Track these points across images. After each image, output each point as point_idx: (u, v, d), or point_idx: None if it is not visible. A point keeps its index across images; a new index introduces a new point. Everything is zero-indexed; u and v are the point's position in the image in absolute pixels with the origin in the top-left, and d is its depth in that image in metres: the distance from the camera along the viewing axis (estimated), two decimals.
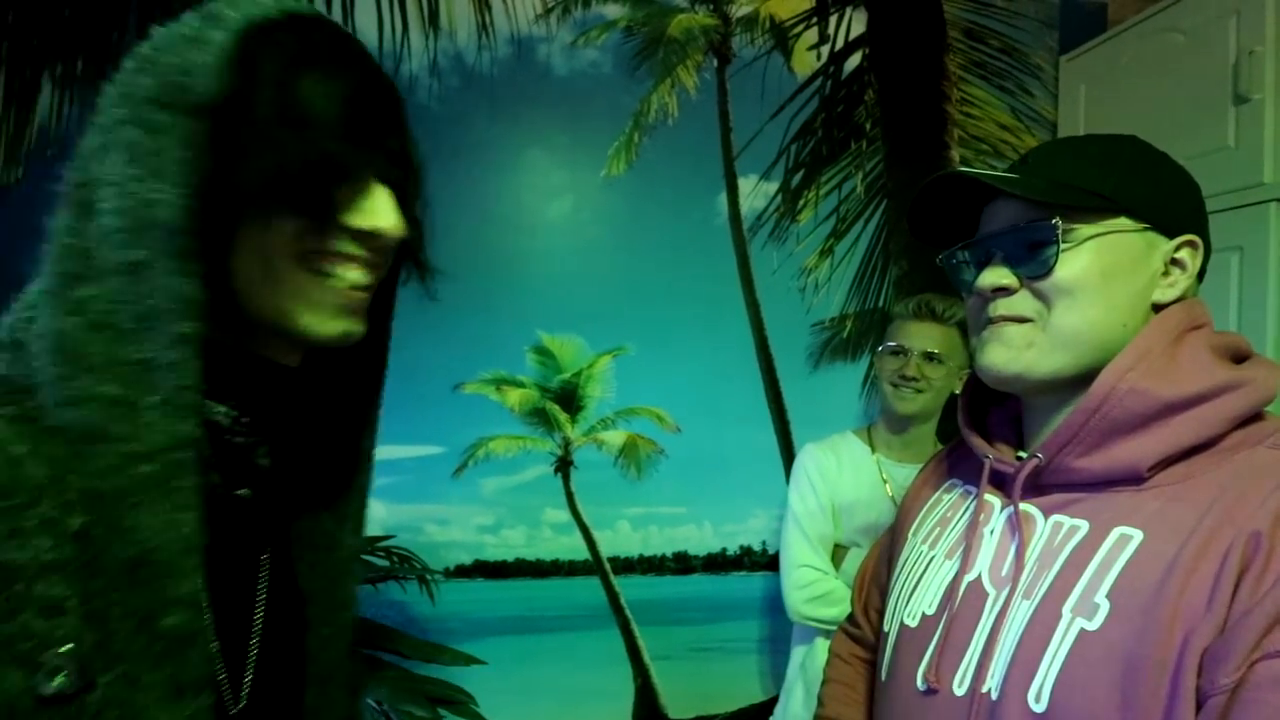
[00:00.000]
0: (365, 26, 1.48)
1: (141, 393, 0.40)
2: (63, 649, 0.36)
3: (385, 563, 1.48)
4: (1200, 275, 0.59)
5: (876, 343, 1.68)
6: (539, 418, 1.55)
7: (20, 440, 0.38)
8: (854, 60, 1.69)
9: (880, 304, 1.69)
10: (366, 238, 0.47)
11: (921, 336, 1.28)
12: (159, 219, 0.39)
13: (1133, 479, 0.53)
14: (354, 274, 0.47)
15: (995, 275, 0.59)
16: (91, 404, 0.39)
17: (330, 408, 0.57)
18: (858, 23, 1.69)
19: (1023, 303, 0.58)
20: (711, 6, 1.62)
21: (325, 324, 0.47)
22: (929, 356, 1.27)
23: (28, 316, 0.42)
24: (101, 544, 0.38)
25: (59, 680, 0.36)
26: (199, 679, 0.41)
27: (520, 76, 1.54)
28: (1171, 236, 0.57)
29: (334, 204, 0.45)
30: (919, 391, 1.28)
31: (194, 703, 0.41)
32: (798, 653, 1.39)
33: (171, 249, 0.40)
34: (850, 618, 0.88)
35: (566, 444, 1.56)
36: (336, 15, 1.47)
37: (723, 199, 1.63)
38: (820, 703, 0.85)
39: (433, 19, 1.51)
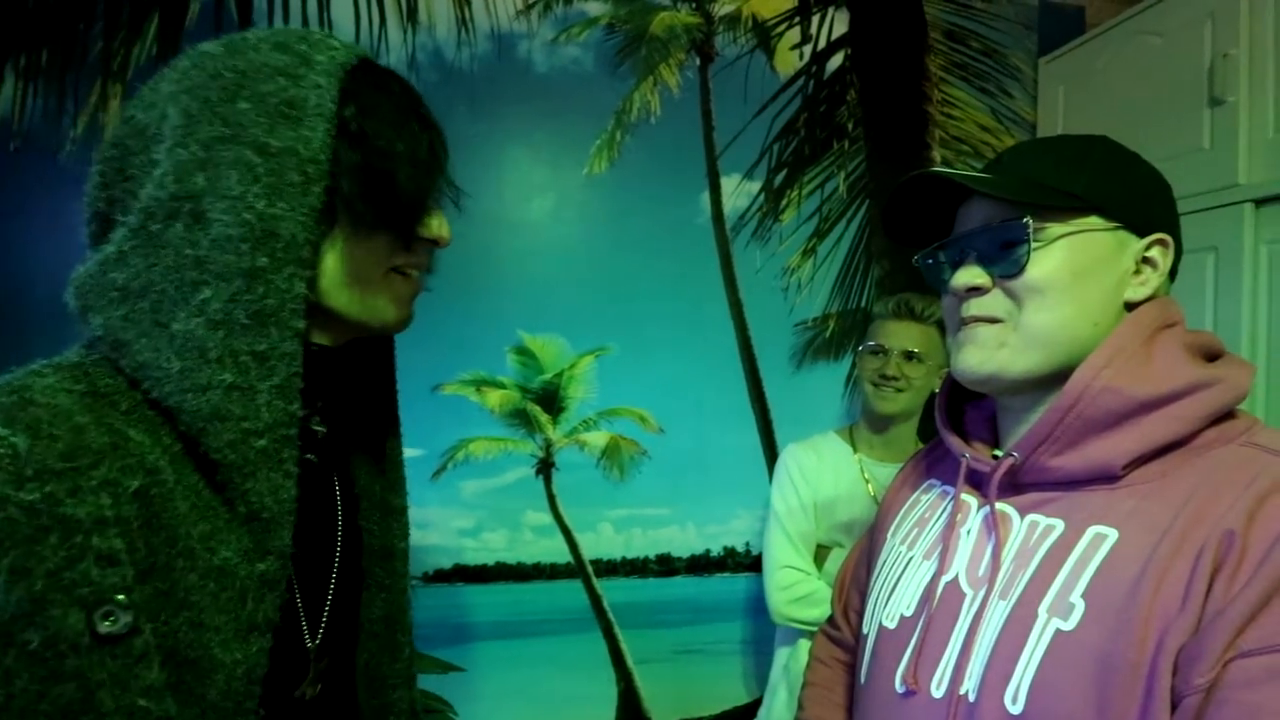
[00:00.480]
0: (342, 20, 1.46)
1: (258, 379, 0.47)
2: (118, 596, 0.41)
3: None
4: (1172, 274, 0.59)
5: (859, 342, 1.68)
6: (520, 419, 1.53)
7: (84, 411, 0.43)
8: (836, 60, 1.69)
9: (863, 303, 1.69)
10: (431, 244, 0.58)
11: (901, 336, 1.29)
12: (280, 232, 0.47)
13: (1107, 477, 0.53)
14: (418, 272, 0.58)
15: (968, 275, 0.59)
16: (215, 390, 0.45)
17: (361, 383, 0.65)
18: (840, 23, 1.69)
19: (995, 302, 0.58)
20: (694, 5, 1.62)
21: (399, 314, 0.57)
22: (909, 355, 1.28)
23: (122, 315, 0.46)
24: (160, 503, 0.44)
25: (112, 622, 0.40)
26: (269, 621, 0.49)
27: (501, 73, 1.52)
28: (1142, 235, 0.57)
29: (424, 225, 0.56)
30: (899, 391, 1.28)
31: (259, 642, 0.48)
32: (781, 654, 1.39)
33: (289, 258, 0.47)
34: (830, 620, 0.88)
35: (548, 445, 1.55)
36: (312, 9, 1.45)
37: (705, 198, 1.62)
38: (800, 706, 0.84)
39: (411, 13, 1.49)
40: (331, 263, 0.52)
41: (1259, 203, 1.23)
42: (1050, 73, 1.74)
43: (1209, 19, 1.32)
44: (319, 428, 0.58)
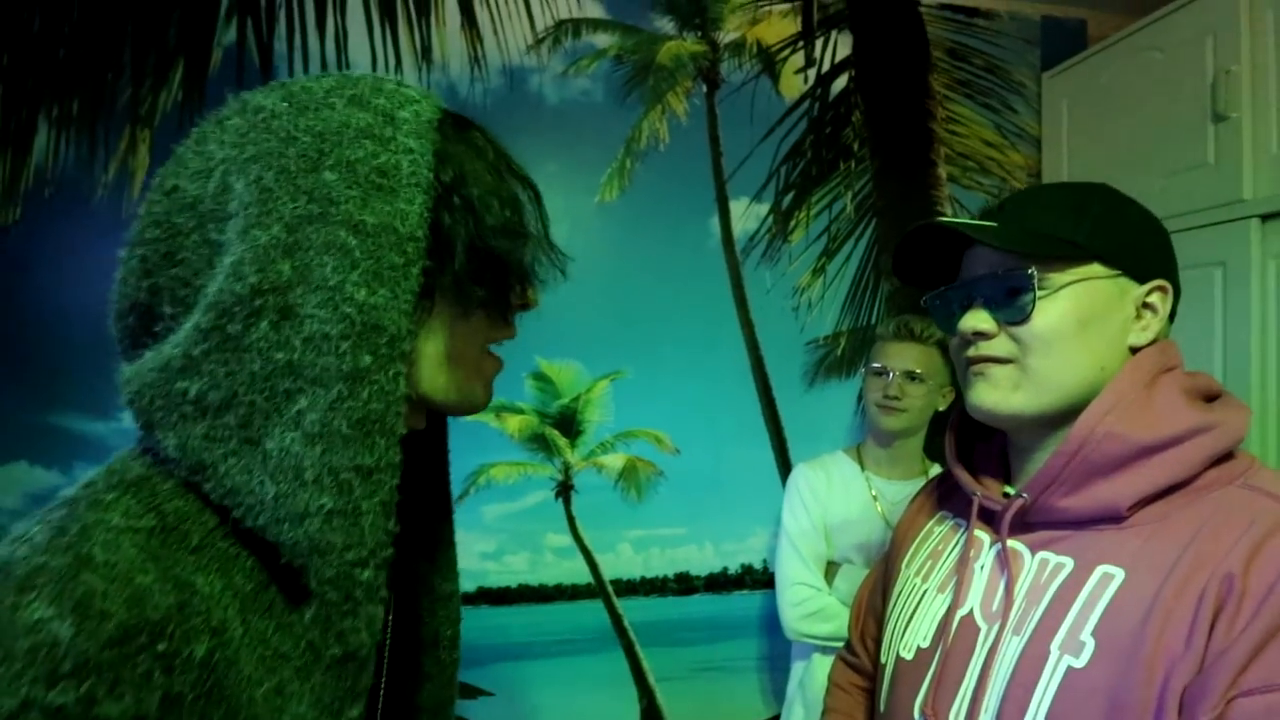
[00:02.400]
0: (358, 59, 1.51)
1: (362, 498, 0.40)
2: None
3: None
4: (1171, 317, 0.61)
5: (869, 359, 1.70)
6: (539, 443, 1.57)
7: (149, 563, 0.36)
8: (841, 82, 1.72)
9: (873, 321, 1.71)
10: (522, 310, 0.52)
11: (902, 357, 1.32)
12: (384, 324, 0.40)
13: (1113, 517, 0.56)
14: (506, 339, 0.52)
15: (975, 320, 0.61)
16: (313, 519, 0.38)
17: (415, 463, 0.58)
18: (843, 45, 1.72)
19: (1001, 345, 0.61)
20: (699, 33, 1.65)
21: (488, 395, 0.51)
22: (910, 376, 1.31)
23: (202, 433, 0.39)
24: (224, 669, 0.37)
25: None
26: None
27: (513, 106, 1.56)
28: (1142, 281, 0.59)
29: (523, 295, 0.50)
30: (902, 410, 1.31)
31: None
32: (796, 669, 1.41)
33: (394, 353, 0.40)
34: (848, 646, 0.90)
35: (566, 468, 1.58)
36: (330, 50, 1.50)
37: (715, 222, 1.65)
38: None
39: (425, 52, 1.53)
40: (430, 347, 0.46)
41: (1265, 218, 1.25)
42: (1054, 88, 1.76)
43: (1210, 35, 1.34)
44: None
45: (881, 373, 1.34)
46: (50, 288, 1.39)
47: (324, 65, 1.49)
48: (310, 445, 0.39)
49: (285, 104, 0.42)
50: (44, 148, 1.41)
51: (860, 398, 1.70)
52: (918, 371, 1.31)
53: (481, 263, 0.45)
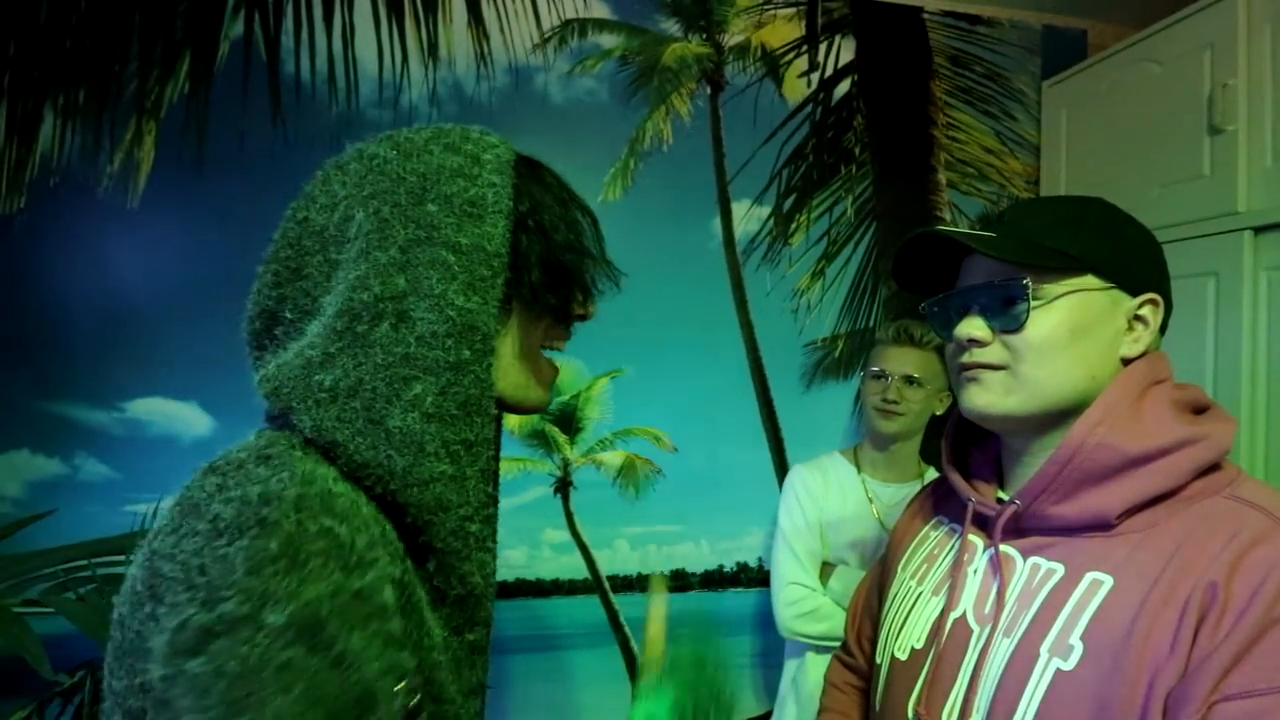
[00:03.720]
0: (365, 58, 1.51)
1: (467, 466, 0.50)
2: (413, 676, 0.45)
3: None
4: (1162, 329, 0.63)
5: (867, 362, 1.72)
6: (538, 439, 1.58)
7: (364, 501, 0.46)
8: (843, 87, 1.73)
9: (871, 324, 1.73)
10: (580, 319, 0.62)
11: (900, 361, 1.33)
12: (478, 325, 0.50)
13: (1103, 525, 0.57)
14: (562, 348, 0.62)
15: (970, 327, 0.63)
16: (437, 483, 0.48)
17: None
18: (846, 50, 1.73)
19: (996, 353, 0.62)
20: (704, 35, 1.66)
21: (547, 395, 0.61)
22: (909, 380, 1.32)
23: (334, 415, 0.47)
24: (410, 589, 0.47)
25: (412, 699, 0.44)
26: (481, 685, 0.55)
27: (518, 105, 1.57)
28: (1134, 294, 0.61)
29: (583, 305, 0.60)
30: (900, 414, 1.33)
31: (478, 703, 0.55)
32: (789, 667, 1.43)
33: (486, 348, 0.50)
34: (844, 646, 0.92)
35: (565, 465, 1.60)
36: (337, 45, 1.50)
37: (717, 223, 1.66)
38: None
39: (432, 50, 1.54)
40: (505, 348, 0.55)
41: (1258, 230, 1.26)
42: (1053, 96, 1.78)
43: (1208, 49, 1.36)
44: None
45: (880, 376, 1.36)
46: (54, 277, 1.39)
47: (331, 60, 1.49)
48: (428, 423, 0.48)
49: (394, 151, 0.52)
50: (49, 137, 1.42)
51: (858, 400, 1.72)
52: (916, 376, 1.32)
53: (552, 275, 0.55)
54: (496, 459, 0.69)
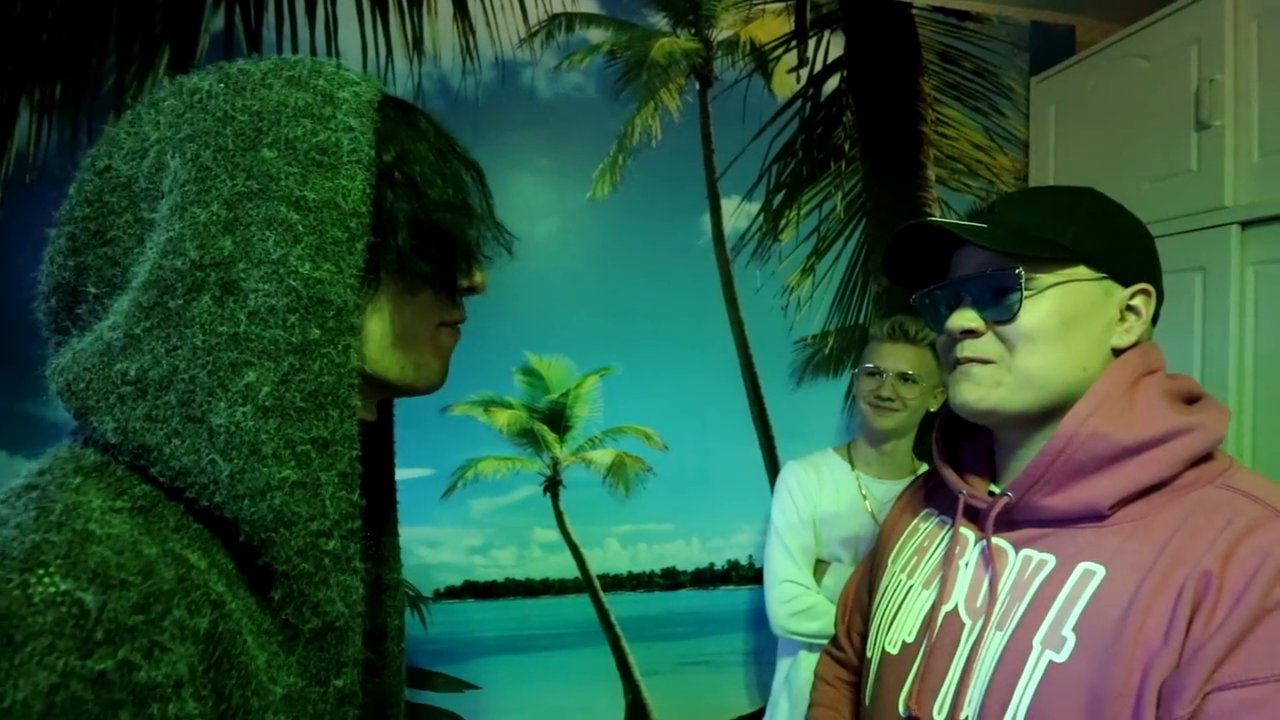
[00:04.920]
0: (349, 50, 1.49)
1: (320, 470, 0.40)
2: None
3: None
4: (1154, 320, 0.63)
5: (857, 359, 1.71)
6: (527, 438, 1.57)
7: (147, 539, 0.36)
8: (832, 83, 1.72)
9: (861, 320, 1.73)
10: (469, 293, 0.53)
11: (895, 358, 1.33)
12: (330, 298, 0.41)
13: (1095, 516, 0.57)
14: (459, 317, 0.53)
15: (963, 318, 0.62)
16: (276, 492, 0.39)
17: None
18: (835, 46, 1.73)
19: (988, 345, 0.62)
20: (693, 30, 1.65)
21: (444, 372, 0.53)
22: (903, 377, 1.32)
23: (143, 414, 0.38)
24: (229, 640, 0.37)
25: None
26: None
27: (505, 100, 1.55)
28: (1126, 285, 0.61)
29: (469, 275, 0.51)
30: (895, 411, 1.32)
31: None
32: (782, 665, 1.42)
33: (342, 326, 0.41)
34: (834, 641, 0.91)
35: (555, 464, 1.58)
36: (320, 40, 1.48)
37: (706, 219, 1.65)
38: None
39: (417, 43, 1.52)
40: (376, 325, 0.46)
41: (1245, 225, 1.27)
42: (1042, 92, 1.78)
43: (1195, 44, 1.36)
44: None
45: (875, 373, 1.35)
46: (30, 275, 1.36)
47: (314, 54, 1.47)
48: (265, 418, 0.39)
49: (222, 85, 0.42)
50: (25, 133, 1.39)
51: (848, 396, 1.71)
52: (911, 373, 1.32)
53: (425, 238, 0.46)
54: (391, 455, 0.61)
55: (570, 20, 1.59)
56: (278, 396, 0.39)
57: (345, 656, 0.43)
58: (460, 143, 0.51)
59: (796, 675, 1.35)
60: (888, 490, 1.37)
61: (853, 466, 1.42)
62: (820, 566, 1.40)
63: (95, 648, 0.31)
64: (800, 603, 1.34)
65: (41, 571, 0.32)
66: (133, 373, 0.38)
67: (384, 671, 0.58)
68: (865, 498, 1.38)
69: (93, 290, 0.42)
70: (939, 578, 0.67)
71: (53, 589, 0.31)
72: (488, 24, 1.54)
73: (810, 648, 1.34)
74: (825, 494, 1.40)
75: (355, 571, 0.42)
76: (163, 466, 0.38)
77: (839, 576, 1.34)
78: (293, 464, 0.39)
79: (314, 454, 0.40)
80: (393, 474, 0.61)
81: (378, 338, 0.47)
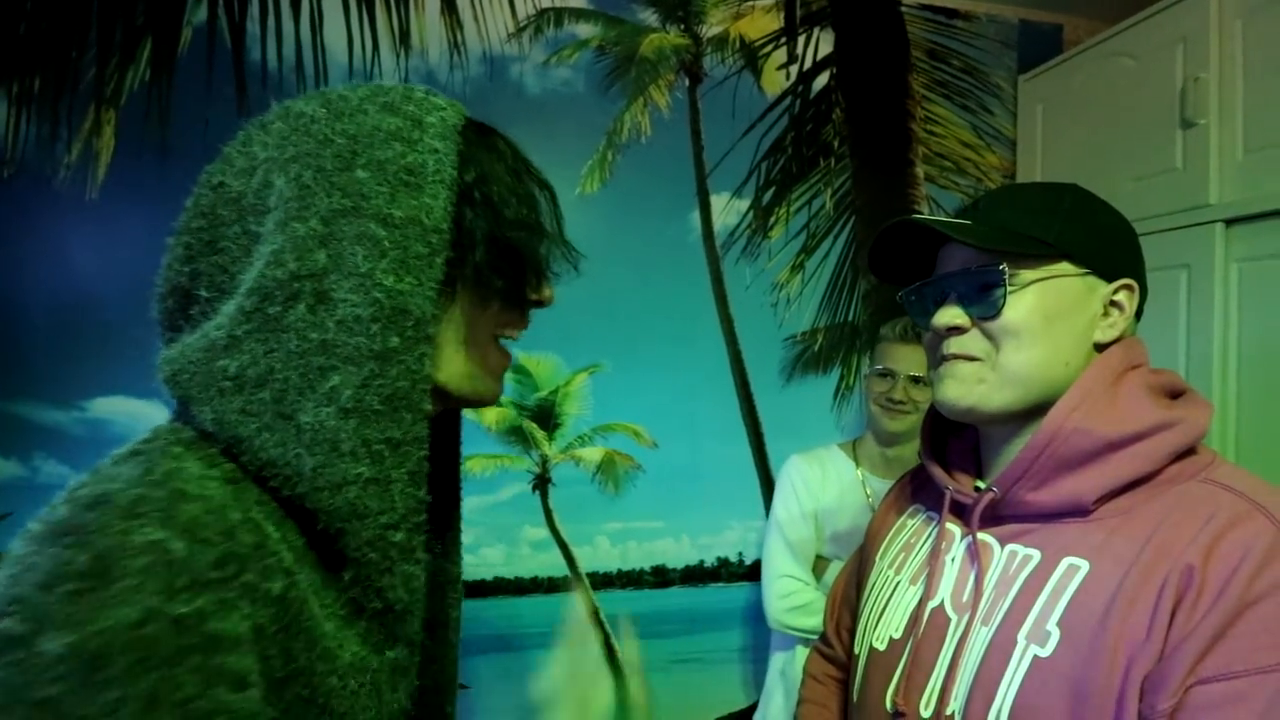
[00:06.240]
0: (334, 45, 1.48)
1: (393, 467, 0.44)
2: (259, 714, 0.38)
3: None
4: (1138, 315, 0.63)
5: (847, 355, 1.72)
6: (516, 436, 1.56)
7: (235, 506, 0.40)
8: (822, 80, 1.72)
9: (850, 318, 1.73)
10: (536, 306, 0.55)
11: (907, 360, 1.32)
12: (410, 309, 0.44)
13: (1079, 511, 0.57)
14: (518, 335, 0.56)
15: (949, 315, 0.62)
16: (352, 486, 0.42)
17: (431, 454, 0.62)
18: (825, 43, 1.72)
19: (973, 342, 0.62)
20: (683, 26, 1.65)
21: (498, 387, 0.55)
22: (915, 380, 1.31)
23: (238, 408, 0.42)
24: (299, 606, 0.41)
25: None
26: (404, 710, 0.49)
27: (493, 95, 1.54)
28: (1110, 280, 0.61)
29: (538, 289, 0.54)
30: (906, 413, 1.32)
31: None
32: (777, 659, 1.42)
33: (420, 335, 0.44)
34: (823, 637, 0.91)
35: (544, 461, 1.58)
36: (305, 34, 1.47)
37: (696, 216, 1.65)
38: None
39: (404, 38, 1.51)
40: (449, 336, 0.49)
41: (1229, 222, 1.28)
42: (1029, 91, 1.79)
43: (1180, 43, 1.37)
44: None
45: (886, 375, 1.34)
46: (10, 272, 1.34)
47: (298, 47, 1.46)
48: (345, 419, 0.42)
49: (324, 110, 0.46)
50: (4, 127, 1.36)
51: (838, 393, 1.72)
52: (922, 376, 1.30)
53: (500, 255, 0.49)
54: (458, 458, 0.64)
55: (559, 15, 1.58)
56: (358, 399, 0.43)
57: (402, 633, 0.47)
58: (535, 165, 0.54)
59: (793, 669, 1.35)
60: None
61: (857, 464, 1.42)
62: (820, 563, 1.40)
63: (177, 594, 0.35)
64: (798, 598, 1.34)
65: (142, 520, 0.36)
66: (233, 369, 0.42)
67: (441, 660, 0.62)
68: (868, 495, 1.38)
69: (204, 294, 0.46)
70: (925, 574, 0.67)
71: (150, 536, 0.36)
72: (475, 18, 1.53)
73: (806, 642, 1.34)
74: (829, 490, 1.40)
75: (418, 562, 0.47)
76: (252, 456, 0.42)
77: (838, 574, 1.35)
78: (368, 461, 0.43)
79: (387, 453, 0.44)
80: (458, 473, 0.65)
81: (450, 346, 0.49)
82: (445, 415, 0.62)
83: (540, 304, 0.55)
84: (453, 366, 0.50)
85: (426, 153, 0.45)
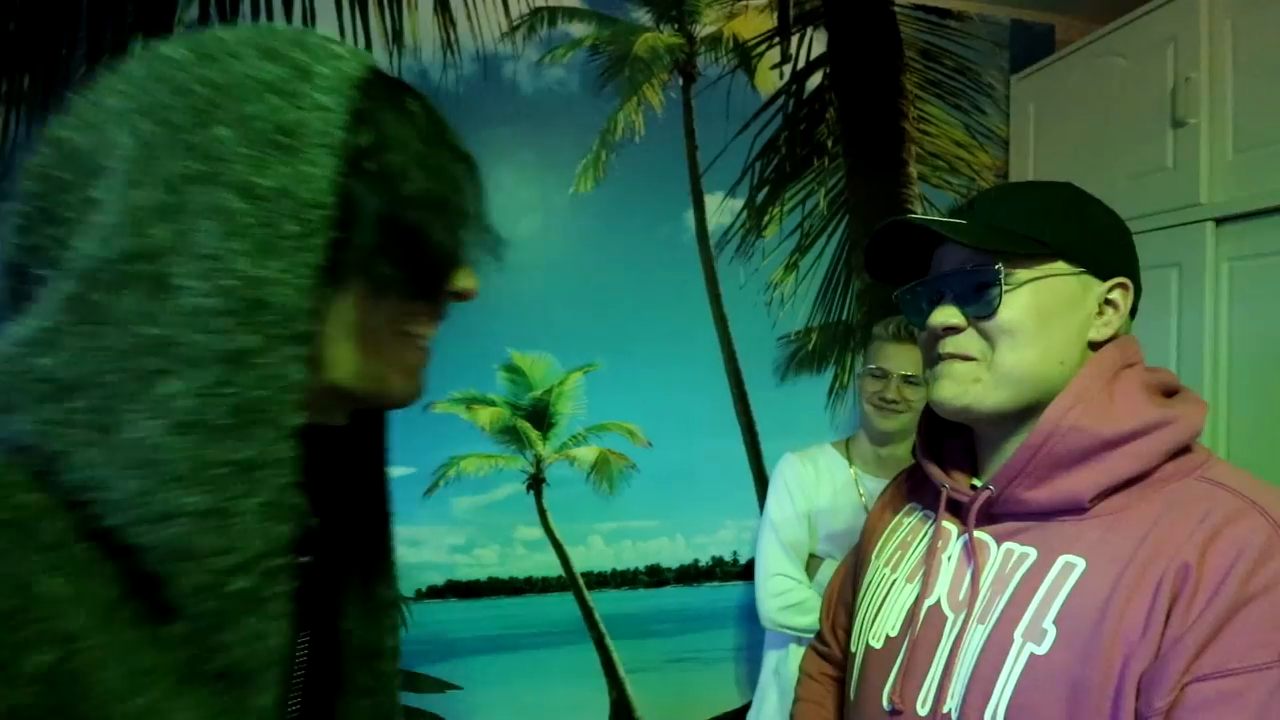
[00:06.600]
0: None
1: (240, 496, 0.35)
2: None
3: None
4: (1132, 313, 0.63)
5: (841, 354, 1.72)
6: (510, 435, 1.55)
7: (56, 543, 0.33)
8: (815, 79, 1.73)
9: (844, 317, 1.73)
10: (456, 299, 0.47)
11: (901, 360, 1.32)
12: (271, 301, 0.36)
13: (1076, 509, 0.57)
14: (432, 331, 0.47)
15: (945, 315, 0.62)
16: (180, 520, 0.34)
17: (351, 462, 0.54)
18: (818, 43, 1.73)
19: (969, 342, 0.62)
20: (676, 26, 1.65)
21: (410, 386, 0.47)
22: (908, 379, 1.31)
23: (53, 417, 0.34)
24: (76, 680, 0.32)
25: None
26: None
27: (487, 94, 1.54)
28: (1104, 279, 0.61)
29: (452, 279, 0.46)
30: (900, 412, 1.32)
31: None
32: (771, 658, 1.42)
33: (284, 334, 0.36)
34: (819, 635, 0.91)
35: (538, 461, 1.57)
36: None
37: (690, 215, 1.65)
38: None
39: (396, 36, 1.50)
40: (335, 331, 0.41)
41: (1219, 221, 1.29)
42: (1021, 90, 1.80)
43: (1171, 43, 1.38)
44: (314, 520, 0.46)
45: (880, 374, 1.34)
46: None
47: None
48: (179, 435, 0.34)
49: (190, 53, 0.37)
50: None
51: (832, 392, 1.72)
52: (916, 375, 1.31)
53: (394, 238, 0.41)
54: (384, 467, 0.55)
55: (553, 14, 1.57)
56: (198, 411, 0.34)
57: (252, 705, 0.37)
58: (456, 132, 0.45)
59: (786, 667, 1.35)
60: (883, 488, 1.38)
61: (850, 463, 1.42)
62: (813, 562, 1.40)
63: None
64: (791, 597, 1.34)
65: None
66: (48, 369, 0.34)
67: (379, 693, 0.54)
68: (862, 495, 1.38)
69: (40, 273, 0.37)
70: (922, 572, 0.67)
71: None
72: (469, 16, 1.53)
73: (800, 641, 1.34)
74: (822, 489, 1.40)
75: (273, 615, 0.37)
76: (68, 477, 0.34)
77: (832, 572, 1.35)
78: (204, 488, 0.34)
79: (232, 478, 0.35)
80: (385, 483, 0.56)
81: (339, 343, 0.42)
82: (366, 418, 0.54)
83: (460, 296, 0.47)
84: (348, 365, 0.42)
85: (310, 110, 0.37)
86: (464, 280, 0.46)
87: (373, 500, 0.56)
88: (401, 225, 0.41)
